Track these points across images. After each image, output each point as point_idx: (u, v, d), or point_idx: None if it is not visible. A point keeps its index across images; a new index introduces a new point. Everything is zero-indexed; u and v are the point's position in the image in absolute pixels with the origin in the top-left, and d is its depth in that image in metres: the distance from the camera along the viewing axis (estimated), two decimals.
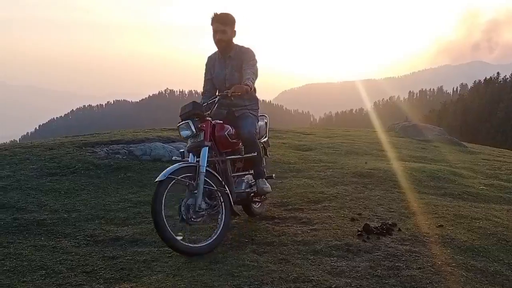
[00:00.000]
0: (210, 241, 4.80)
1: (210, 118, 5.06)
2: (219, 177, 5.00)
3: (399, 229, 5.53)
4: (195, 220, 4.77)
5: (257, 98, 5.80)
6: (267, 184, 5.60)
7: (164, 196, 4.54)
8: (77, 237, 5.27)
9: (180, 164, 4.78)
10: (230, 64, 5.51)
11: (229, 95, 5.05)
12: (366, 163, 9.97)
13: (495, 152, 16.00)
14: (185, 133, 5.02)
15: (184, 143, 8.98)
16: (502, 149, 19.26)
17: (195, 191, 4.78)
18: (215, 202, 4.97)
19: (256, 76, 5.35)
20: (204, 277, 4.19)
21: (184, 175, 4.74)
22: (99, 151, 9.04)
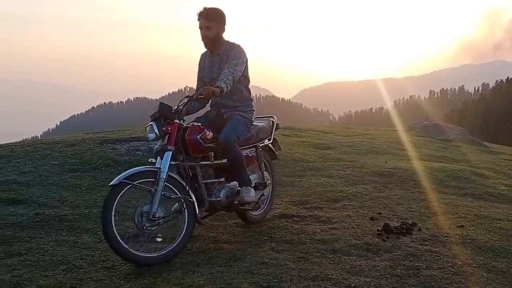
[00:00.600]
0: (167, 251, 4.54)
1: (178, 121, 4.73)
2: (184, 184, 4.70)
3: (419, 229, 5.50)
4: (149, 228, 4.48)
5: (251, 99, 5.47)
6: (250, 193, 5.19)
7: (116, 202, 4.31)
8: (98, 233, 5.31)
9: (139, 168, 4.55)
10: (218, 62, 5.22)
11: (194, 97, 4.82)
12: (386, 162, 9.92)
13: None
14: (150, 135, 4.71)
15: None
16: None
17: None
18: (177, 210, 4.77)
19: (235, 75, 4.99)
20: (223, 274, 4.21)
21: (142, 180, 4.48)
22: (119, 148, 9.11)
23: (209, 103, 5.46)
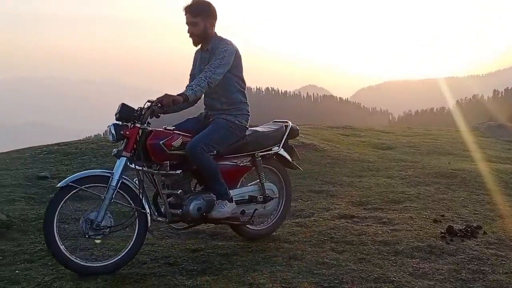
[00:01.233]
0: (113, 261, 4.30)
1: (140, 124, 4.31)
2: (139, 193, 4.37)
3: (485, 232, 5.34)
4: (92, 237, 4.23)
5: (244, 102, 4.89)
6: (224, 208, 4.64)
7: (60, 205, 4.14)
8: (160, 229, 5.42)
9: (91, 171, 4.35)
10: (207, 58, 4.70)
11: (153, 104, 4.34)
12: (449, 163, 9.68)
13: None
14: (109, 137, 4.38)
15: None
16: None
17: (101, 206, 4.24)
18: (127, 220, 4.46)
19: (211, 80, 4.47)
20: (283, 273, 4.22)
21: (91, 185, 4.25)
22: None
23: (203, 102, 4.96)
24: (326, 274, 4.20)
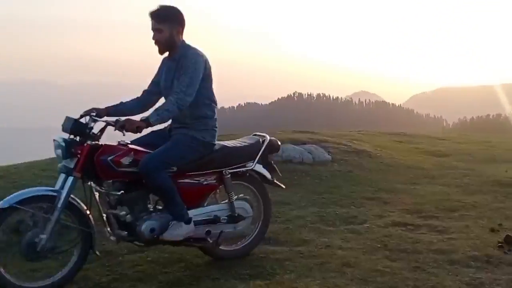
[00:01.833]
0: (50, 282, 4.02)
1: (89, 142, 3.99)
2: (85, 213, 4.07)
3: None
4: (34, 260, 3.96)
5: (210, 116, 4.43)
6: (178, 229, 4.24)
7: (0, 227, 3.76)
8: None
9: (36, 190, 3.98)
10: (173, 68, 4.32)
11: (114, 129, 3.99)
12: (506, 171, 9.41)
13: None
14: (57, 151, 4.04)
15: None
16: None
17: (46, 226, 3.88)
18: (73, 241, 4.16)
19: (182, 103, 4.11)
20: (336, 280, 4.20)
21: (37, 205, 3.90)
22: None
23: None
24: (380, 282, 4.16)
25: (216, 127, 4.48)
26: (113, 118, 4.08)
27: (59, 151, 3.98)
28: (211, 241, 4.51)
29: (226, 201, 4.65)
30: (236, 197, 4.66)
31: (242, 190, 4.82)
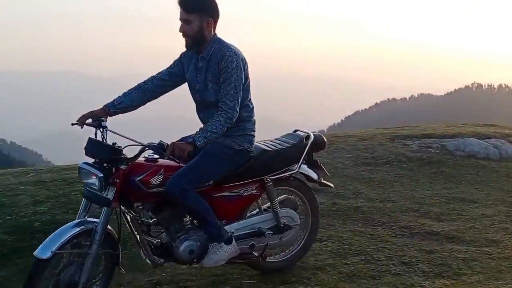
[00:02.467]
0: None
1: (123, 167, 3.48)
2: (116, 239, 3.65)
3: None
4: None
5: (248, 119, 3.85)
6: (219, 253, 3.78)
7: (43, 277, 3.38)
8: (393, 227, 5.36)
9: (71, 231, 3.43)
10: (204, 68, 3.74)
11: (165, 157, 3.49)
12: None
13: None
14: (89, 181, 3.52)
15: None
16: None
17: (83, 263, 3.47)
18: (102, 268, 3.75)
19: (230, 122, 3.59)
20: None
21: (75, 241, 3.47)
22: (411, 144, 9.03)
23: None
24: None
25: (254, 131, 3.91)
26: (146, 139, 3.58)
27: (95, 182, 3.45)
28: (256, 255, 4.09)
29: (270, 210, 4.19)
30: (280, 204, 4.20)
31: (287, 194, 4.35)
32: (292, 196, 4.32)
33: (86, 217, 3.57)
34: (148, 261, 3.80)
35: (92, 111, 3.69)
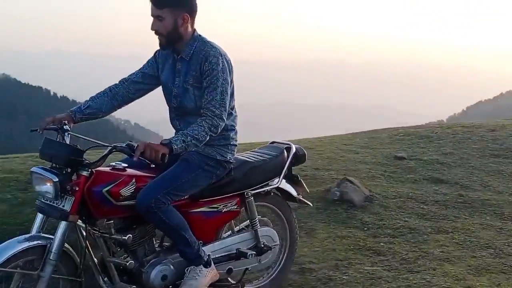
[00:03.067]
0: None
1: (86, 173, 2.96)
2: (77, 262, 3.08)
3: None
4: None
5: (231, 127, 3.37)
6: (199, 278, 3.23)
7: None
8: None
9: (20, 245, 2.87)
10: (183, 70, 3.26)
11: (134, 157, 2.88)
12: None
13: None
14: (42, 188, 2.95)
15: None
16: None
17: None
18: None
19: (214, 130, 3.11)
20: None
21: (25, 259, 2.92)
22: None
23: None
24: None
25: (236, 140, 3.45)
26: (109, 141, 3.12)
27: (49, 189, 2.90)
28: (234, 282, 3.58)
29: (248, 229, 3.71)
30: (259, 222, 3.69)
31: (264, 212, 3.88)
32: (265, 218, 3.83)
33: (40, 233, 2.99)
34: None
35: (55, 116, 3.23)
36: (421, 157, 7.26)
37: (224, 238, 3.59)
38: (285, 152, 3.75)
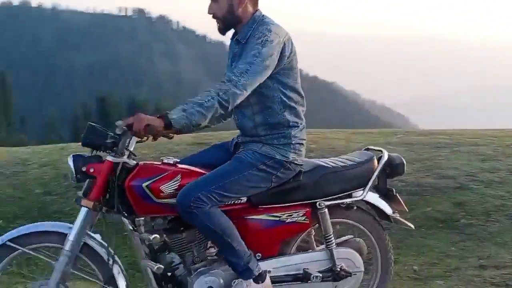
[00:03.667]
0: None
1: (112, 158, 2.72)
2: (107, 257, 2.85)
3: None
4: None
5: (294, 125, 2.92)
6: None
7: None
8: None
9: (35, 226, 2.87)
10: (238, 55, 2.89)
11: (117, 130, 2.67)
12: None
13: None
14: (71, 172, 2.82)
15: None
16: None
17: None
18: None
19: (226, 97, 2.63)
20: None
21: (43, 245, 2.84)
22: None
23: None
24: None
25: (304, 139, 3.01)
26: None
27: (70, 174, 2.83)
28: None
29: (323, 247, 3.17)
30: (337, 241, 3.15)
31: (348, 232, 3.33)
32: (360, 239, 3.25)
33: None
34: None
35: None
36: None
37: (290, 254, 3.10)
38: (375, 160, 3.19)
